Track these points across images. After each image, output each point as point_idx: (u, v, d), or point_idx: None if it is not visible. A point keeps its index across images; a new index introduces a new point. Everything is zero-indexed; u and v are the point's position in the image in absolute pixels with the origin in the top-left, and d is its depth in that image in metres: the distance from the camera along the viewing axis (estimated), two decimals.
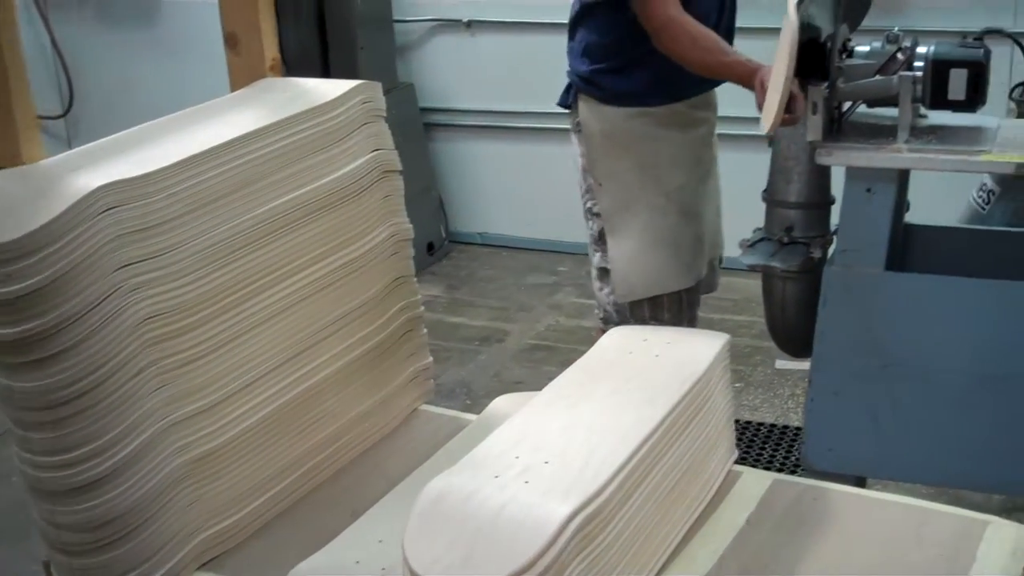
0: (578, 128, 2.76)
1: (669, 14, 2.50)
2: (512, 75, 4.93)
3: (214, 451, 1.89)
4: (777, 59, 2.24)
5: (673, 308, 2.74)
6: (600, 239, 2.78)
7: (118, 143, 1.91)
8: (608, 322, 2.81)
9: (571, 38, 2.77)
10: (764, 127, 2.27)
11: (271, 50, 2.14)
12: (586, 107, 2.72)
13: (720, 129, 3.91)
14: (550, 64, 2.88)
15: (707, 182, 2.82)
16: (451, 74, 5.19)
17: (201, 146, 1.86)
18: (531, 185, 5.03)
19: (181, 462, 1.84)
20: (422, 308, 2.35)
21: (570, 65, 2.77)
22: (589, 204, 2.79)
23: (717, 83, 2.75)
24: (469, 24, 5.08)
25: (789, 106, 2.27)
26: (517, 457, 1.58)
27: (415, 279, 2.34)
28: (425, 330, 2.37)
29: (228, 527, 1.92)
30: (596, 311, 2.90)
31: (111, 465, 1.72)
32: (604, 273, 2.79)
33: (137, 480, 1.76)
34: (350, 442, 2.15)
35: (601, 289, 2.83)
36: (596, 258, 2.82)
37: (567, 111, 2.82)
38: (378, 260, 2.19)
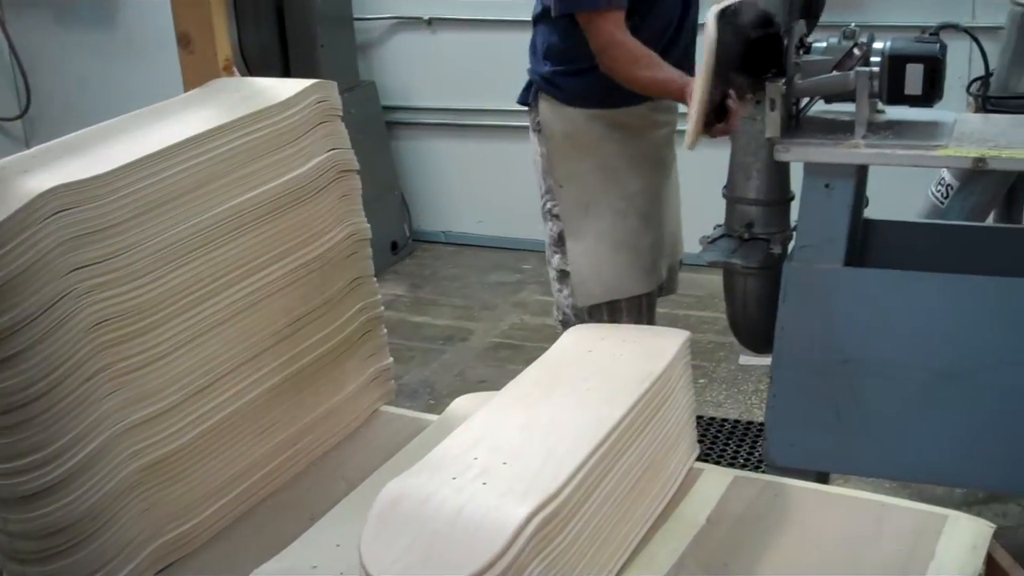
0: (538, 127, 2.73)
1: (614, 36, 2.47)
2: (474, 72, 4.91)
3: (169, 455, 1.87)
4: (699, 71, 2.23)
5: (632, 313, 2.72)
6: (560, 241, 2.75)
7: (71, 144, 1.89)
8: (567, 325, 2.78)
9: (533, 37, 2.74)
10: (686, 142, 2.25)
11: (224, 50, 2.12)
12: (547, 107, 2.70)
13: (681, 126, 3.91)
14: (512, 61, 2.87)
15: (667, 184, 2.81)
16: (413, 72, 5.17)
17: (153, 147, 1.84)
18: (495, 183, 5.02)
19: (136, 467, 1.81)
20: (382, 308, 2.33)
21: (531, 64, 2.74)
22: (549, 205, 2.76)
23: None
24: (430, 22, 5.06)
25: (722, 118, 2.26)
26: (475, 458, 1.57)
27: (375, 279, 2.32)
28: (385, 330, 2.35)
29: (184, 532, 1.90)
30: (555, 313, 2.86)
31: (64, 471, 1.70)
32: (563, 275, 2.77)
33: (91, 486, 1.74)
34: (309, 444, 2.13)
35: (560, 291, 2.80)
36: (555, 260, 2.79)
37: (527, 109, 2.80)
38: (336, 260, 2.17)
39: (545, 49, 2.68)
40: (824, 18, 2.70)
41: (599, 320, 2.68)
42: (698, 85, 2.18)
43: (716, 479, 1.99)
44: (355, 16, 5.00)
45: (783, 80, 2.31)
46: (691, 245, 2.75)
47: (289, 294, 2.07)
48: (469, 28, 4.96)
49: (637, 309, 2.73)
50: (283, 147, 2.02)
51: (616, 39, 2.47)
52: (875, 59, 2.31)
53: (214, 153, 1.92)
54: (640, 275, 2.72)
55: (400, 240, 5.13)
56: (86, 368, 1.72)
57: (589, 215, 2.69)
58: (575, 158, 2.68)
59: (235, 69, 2.16)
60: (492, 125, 4.89)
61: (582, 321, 2.71)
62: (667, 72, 2.47)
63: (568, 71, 2.64)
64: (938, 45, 2.29)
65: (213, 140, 1.91)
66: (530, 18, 2.74)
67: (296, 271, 2.07)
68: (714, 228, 2.69)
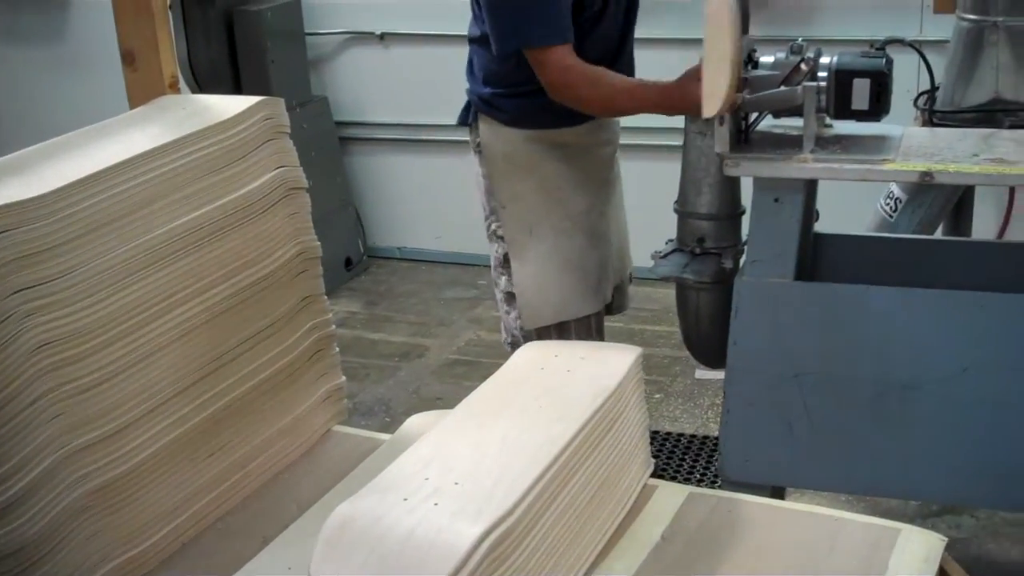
0: (479, 148, 2.70)
1: (563, 63, 2.44)
2: (427, 87, 4.90)
3: (117, 479, 1.84)
4: (712, 41, 2.22)
5: (581, 333, 2.69)
6: (505, 263, 2.71)
7: (13, 163, 1.86)
8: (516, 347, 2.75)
9: (470, 60, 2.70)
10: (712, 110, 2.25)
11: (169, 67, 2.10)
12: (487, 128, 2.66)
13: (632, 140, 3.92)
14: (463, 75, 2.85)
15: (611, 205, 2.80)
16: (365, 87, 5.16)
17: (96, 166, 1.81)
18: (450, 198, 5.01)
19: (82, 492, 1.79)
20: (333, 327, 2.31)
21: (469, 85, 2.71)
22: (493, 227, 2.72)
23: None
24: (383, 37, 5.05)
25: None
26: (427, 479, 1.56)
27: (325, 297, 2.30)
28: (337, 349, 2.33)
29: (133, 557, 1.87)
30: (503, 336, 2.82)
31: (8, 498, 1.67)
32: (510, 297, 2.73)
33: (37, 511, 1.71)
34: (260, 466, 2.11)
35: (508, 313, 2.75)
36: (502, 282, 2.74)
37: (466, 128, 2.75)
38: (285, 279, 2.15)
39: (483, 71, 2.64)
40: (773, 32, 2.73)
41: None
42: (723, 51, 2.16)
43: (670, 496, 1.99)
44: (307, 31, 4.98)
45: None
46: (644, 260, 2.75)
47: (237, 314, 2.05)
48: (422, 43, 4.96)
49: (586, 330, 2.71)
50: (230, 165, 2.00)
51: (567, 65, 2.44)
52: (822, 74, 2.33)
53: (158, 172, 1.89)
54: (588, 295, 2.70)
55: (354, 256, 5.10)
56: (29, 392, 1.70)
57: (533, 236, 2.66)
58: (517, 179, 2.65)
59: (180, 86, 2.14)
60: (447, 140, 4.88)
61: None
62: (630, 80, 2.46)
63: (507, 93, 2.61)
64: (884, 60, 2.31)
65: (157, 159, 1.89)
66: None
67: (244, 291, 2.05)
68: (666, 243, 2.69)
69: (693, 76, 2.35)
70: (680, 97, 2.39)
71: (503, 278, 2.74)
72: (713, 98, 2.21)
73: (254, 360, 2.10)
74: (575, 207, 2.66)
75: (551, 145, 2.63)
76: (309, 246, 2.22)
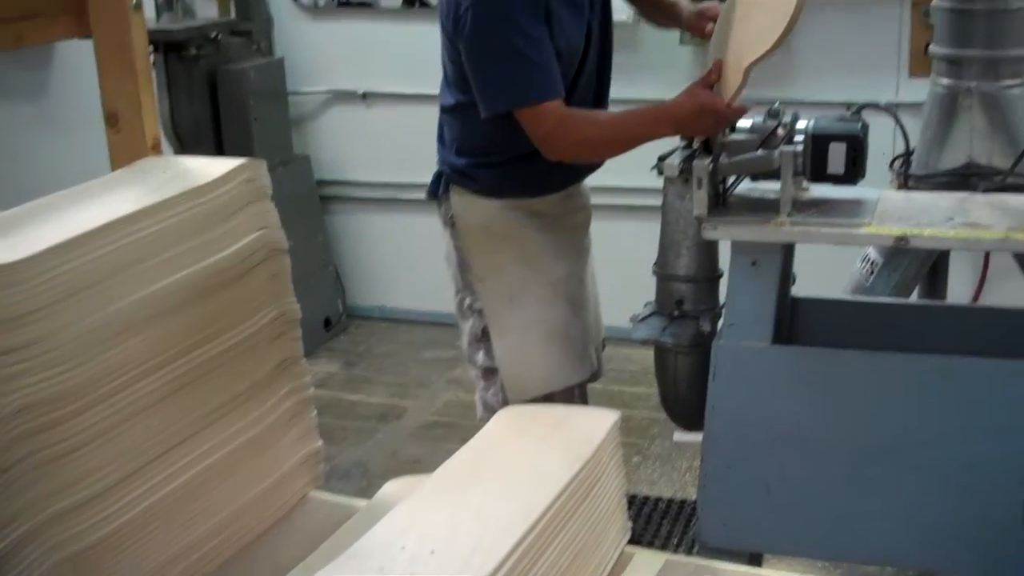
0: (451, 221, 2.68)
1: (560, 112, 2.43)
2: (409, 147, 4.92)
3: (93, 546, 1.81)
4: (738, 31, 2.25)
5: (566, 403, 2.66)
6: (483, 337, 2.68)
7: None
8: None
9: (441, 129, 2.70)
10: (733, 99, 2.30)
11: (152, 129, 2.10)
12: (461, 200, 2.64)
13: (610, 200, 3.95)
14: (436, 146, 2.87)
15: (587, 269, 2.80)
16: (347, 146, 5.19)
17: (78, 230, 1.80)
18: (430, 257, 4.96)
19: (58, 559, 1.76)
20: (311, 390, 2.30)
21: (441, 156, 2.69)
22: (468, 301, 2.70)
23: (590, 170, 2.75)
24: (365, 96, 5.09)
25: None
26: (403, 548, 1.55)
27: (304, 360, 2.28)
28: (315, 413, 2.32)
29: None
30: (480, 413, 2.76)
31: None
32: (489, 373, 2.70)
33: None
34: (236, 532, 2.08)
35: (486, 390, 2.72)
36: (479, 358, 2.71)
37: (434, 200, 2.74)
38: (264, 342, 2.14)
39: (457, 141, 2.63)
40: (751, 93, 2.75)
41: None
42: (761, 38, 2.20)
43: (647, 563, 1.97)
44: (289, 90, 5.02)
45: (710, 159, 2.35)
46: (623, 321, 2.76)
47: (215, 378, 2.03)
48: (404, 102, 4.99)
49: (571, 400, 2.68)
50: (210, 228, 2.00)
51: (563, 114, 2.44)
52: (799, 138, 2.36)
53: (139, 235, 1.88)
54: (574, 363, 2.69)
55: (334, 316, 5.09)
56: (7, 457, 1.67)
57: (514, 307, 2.63)
58: (495, 249, 2.63)
59: (162, 148, 2.14)
60: (425, 198, 4.90)
61: None
62: (631, 109, 2.46)
63: (483, 163, 2.60)
64: (860, 124, 2.34)
65: (138, 222, 1.88)
66: None
67: (222, 355, 2.03)
68: (644, 305, 2.70)
69: (700, 83, 2.37)
70: (692, 105, 2.38)
71: (480, 354, 2.70)
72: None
73: (232, 424, 2.08)
74: (556, 275, 2.66)
75: (529, 214, 2.63)
76: (289, 308, 2.21)
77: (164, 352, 1.94)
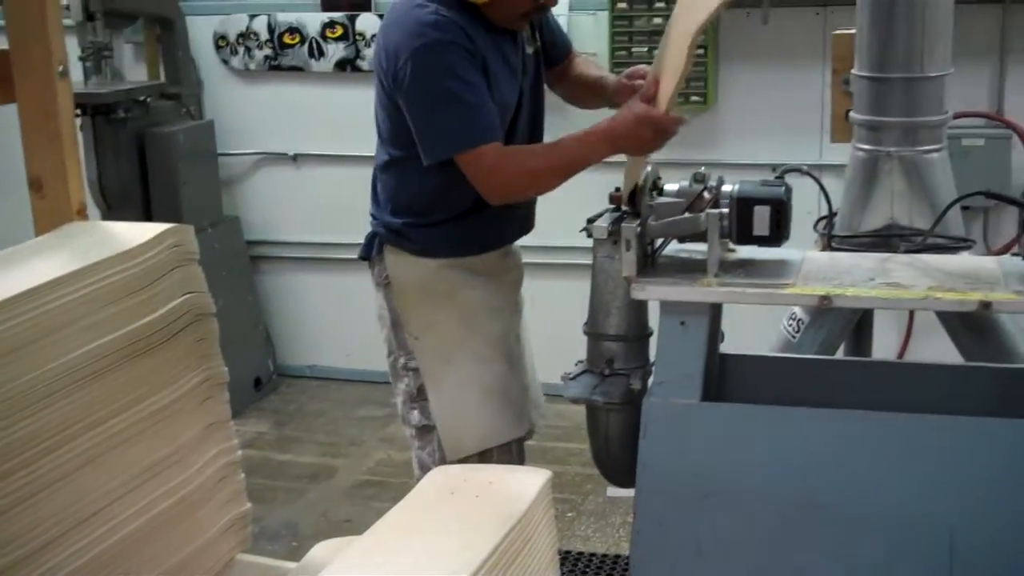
0: (385, 281, 2.68)
1: (500, 151, 2.47)
2: (338, 207, 4.93)
3: None
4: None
5: (504, 461, 2.66)
6: (418, 396, 2.68)
7: None
8: None
9: (375, 189, 2.70)
10: (666, 108, 2.32)
11: (77, 194, 2.09)
12: (396, 259, 2.66)
13: (544, 259, 3.97)
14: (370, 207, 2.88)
15: (522, 328, 2.82)
16: (277, 206, 5.18)
17: (0, 295, 1.79)
18: (361, 316, 4.95)
19: None
20: (239, 453, 2.28)
21: (375, 216, 2.70)
22: (403, 361, 2.70)
23: (525, 230, 2.78)
24: (295, 157, 5.09)
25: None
26: None
27: (231, 424, 2.27)
28: (242, 476, 2.30)
29: None
30: (416, 472, 2.74)
31: None
32: (424, 432, 2.70)
33: None
34: None
35: (422, 448, 2.72)
36: (414, 417, 2.71)
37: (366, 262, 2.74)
38: (191, 406, 2.12)
39: (392, 200, 2.65)
40: (679, 156, 2.82)
41: None
42: (683, 56, 2.22)
43: None
44: (220, 151, 5.01)
45: (638, 222, 2.38)
46: (556, 379, 2.76)
47: (140, 443, 2.01)
48: (333, 163, 5.02)
49: (508, 456, 2.69)
50: (136, 293, 1.98)
51: (502, 152, 2.47)
52: (725, 201, 2.39)
53: (63, 301, 1.87)
54: (512, 420, 2.70)
55: (264, 376, 5.06)
56: None
57: (451, 365, 2.65)
58: (432, 308, 2.65)
59: (87, 213, 2.12)
60: (358, 259, 4.89)
61: None
62: (562, 138, 2.49)
63: (420, 222, 2.62)
64: (783, 188, 2.38)
65: (62, 288, 1.86)
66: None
67: (148, 419, 2.01)
68: (576, 364, 2.71)
69: (637, 98, 2.41)
70: (629, 117, 2.41)
71: (415, 412, 2.70)
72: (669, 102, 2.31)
73: (157, 488, 2.06)
74: (492, 333, 2.68)
75: (465, 272, 2.65)
76: (216, 372, 2.20)
77: (88, 417, 1.92)
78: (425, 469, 2.69)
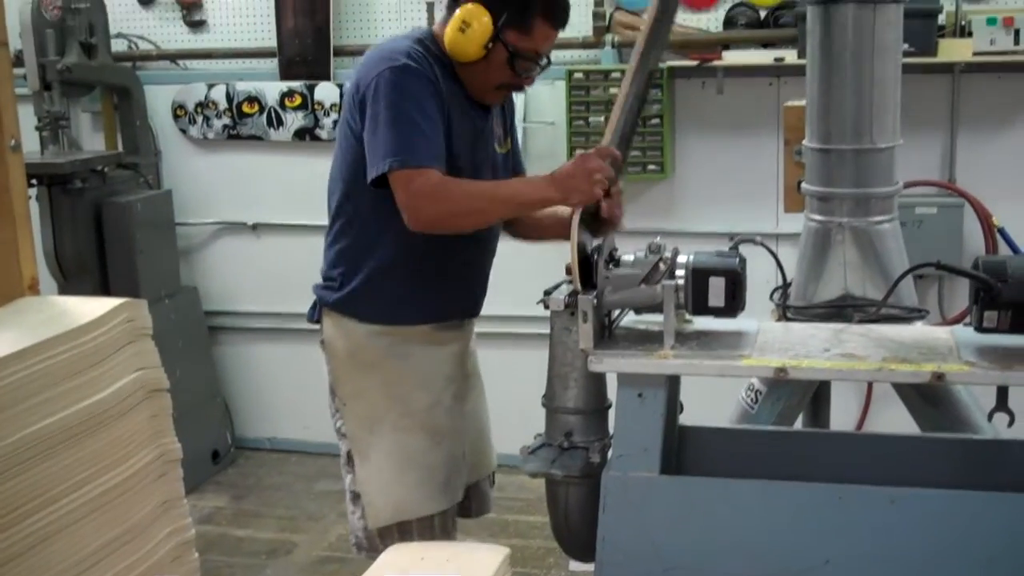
0: (322, 345, 2.73)
1: (440, 176, 2.45)
2: (298, 277, 4.84)
3: None
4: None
5: (424, 534, 2.66)
6: (349, 461, 2.71)
7: None
8: (360, 548, 2.72)
9: (325, 243, 2.74)
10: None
11: (30, 269, 2.07)
12: (331, 323, 2.69)
13: (504, 328, 3.97)
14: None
15: (464, 400, 2.80)
16: (236, 276, 5.16)
17: None
18: (320, 387, 4.94)
19: None
20: (192, 532, 2.25)
21: (320, 280, 2.74)
22: (339, 424, 2.73)
23: (473, 309, 2.78)
24: (255, 227, 5.08)
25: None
26: None
27: (185, 502, 2.24)
28: (196, 555, 2.26)
29: None
30: (351, 537, 2.76)
31: None
32: (356, 497, 2.71)
33: None
34: None
35: (353, 513, 2.73)
36: (348, 480, 2.73)
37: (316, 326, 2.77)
38: (143, 484, 2.09)
39: (334, 265, 2.68)
40: (638, 224, 2.83)
41: (390, 543, 2.60)
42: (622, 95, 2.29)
43: None
44: (178, 221, 4.99)
45: (594, 293, 2.38)
46: (516, 450, 2.75)
47: (92, 522, 1.98)
48: (293, 233, 5.00)
49: (429, 530, 2.68)
50: (88, 370, 1.97)
51: (441, 178, 2.45)
52: (680, 272, 2.40)
53: (13, 378, 1.85)
54: (432, 493, 2.68)
55: (222, 449, 5.00)
56: None
57: (374, 434, 2.66)
58: (360, 376, 2.67)
59: (39, 288, 2.10)
60: (317, 330, 4.86)
61: (373, 545, 2.64)
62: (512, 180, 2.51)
63: (355, 286, 2.64)
64: (737, 259, 2.40)
65: (12, 365, 1.84)
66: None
67: (100, 498, 1.99)
68: (534, 437, 2.70)
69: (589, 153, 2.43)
70: (571, 162, 2.44)
71: (348, 476, 2.73)
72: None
73: (109, 569, 2.03)
74: (416, 404, 2.67)
75: (394, 341, 2.66)
76: (169, 448, 2.17)
77: (39, 496, 1.89)
78: (354, 535, 2.75)
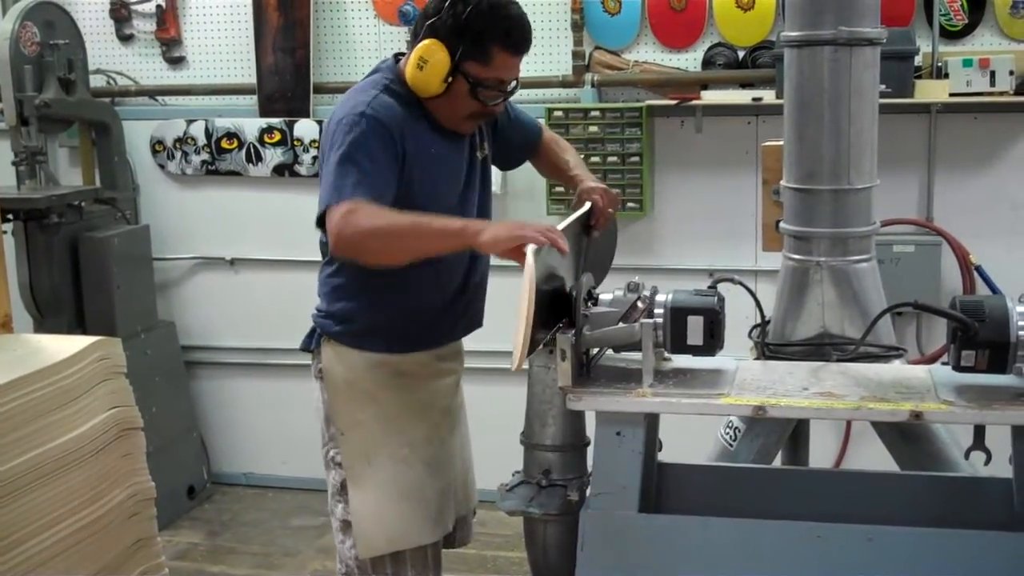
0: (320, 375, 2.71)
1: (359, 203, 2.38)
2: (276, 312, 4.91)
3: None
4: (520, 300, 2.25)
5: (417, 565, 2.66)
6: (342, 490, 2.70)
7: None
8: None
9: (320, 279, 2.74)
10: (514, 364, 2.24)
11: (4, 306, 2.05)
12: (331, 352, 2.68)
13: (486, 363, 3.95)
14: (314, 300, 2.88)
15: (454, 434, 2.81)
16: (214, 311, 5.14)
17: None
18: (298, 422, 4.92)
19: None
20: (166, 571, 2.23)
21: (318, 309, 2.73)
22: (332, 453, 2.72)
23: (466, 331, 2.79)
24: (233, 262, 5.07)
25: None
26: None
27: (158, 540, 2.22)
28: None
29: None
30: (338, 567, 2.75)
31: None
32: (347, 526, 2.70)
33: None
34: None
35: (343, 543, 2.71)
36: (338, 510, 2.72)
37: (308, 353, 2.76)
38: (115, 524, 2.07)
39: (333, 294, 2.69)
40: (622, 262, 2.83)
41: (382, 573, 2.60)
42: (522, 313, 2.17)
43: None
44: (155, 256, 4.97)
45: (572, 332, 2.37)
46: (495, 486, 2.73)
47: (65, 560, 1.97)
48: (271, 268, 5.00)
49: (423, 561, 2.68)
50: (59, 408, 1.95)
51: (363, 207, 2.38)
52: (659, 311, 2.40)
53: None
54: (427, 524, 2.68)
55: (198, 484, 4.96)
56: None
57: (372, 465, 2.66)
58: (357, 406, 2.67)
59: (13, 326, 2.09)
60: (294, 364, 4.84)
61: (364, 575, 2.63)
62: (445, 218, 2.44)
63: (355, 314, 2.65)
64: (716, 298, 2.40)
65: None
66: None
67: (69, 538, 1.97)
68: (513, 474, 2.69)
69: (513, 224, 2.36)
70: (482, 228, 2.36)
71: (340, 506, 2.71)
72: (516, 353, 2.21)
73: None
74: (414, 435, 2.68)
75: (392, 372, 2.66)
76: (143, 487, 2.16)
77: (8, 536, 1.86)
78: (344, 564, 2.72)
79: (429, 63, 2.54)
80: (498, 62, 2.58)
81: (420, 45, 2.55)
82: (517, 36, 2.59)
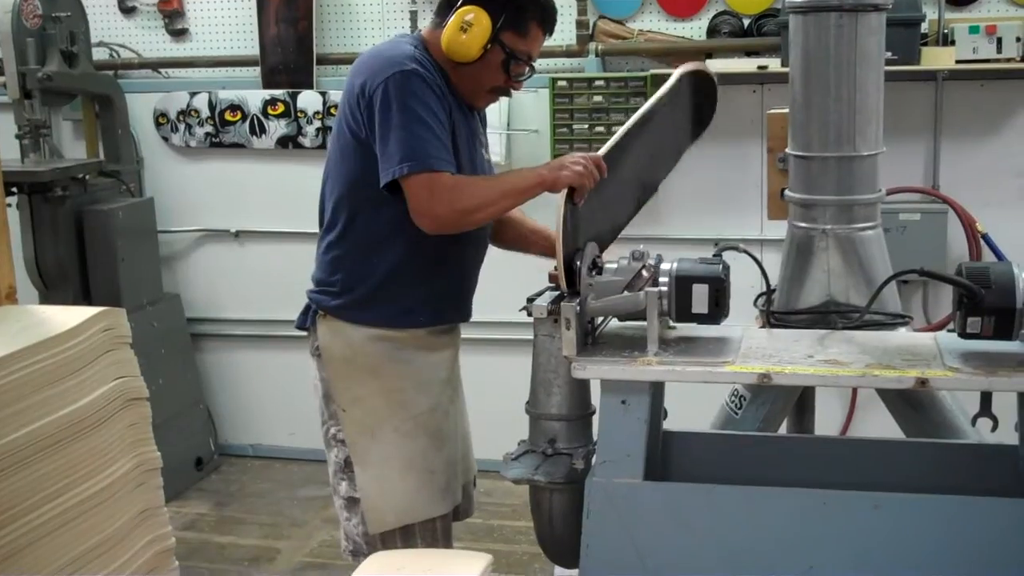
0: (317, 352, 2.70)
1: (455, 177, 2.49)
2: (281, 284, 4.90)
3: None
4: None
5: (427, 537, 2.66)
6: (346, 467, 2.69)
7: None
8: (357, 555, 2.70)
9: (317, 256, 2.73)
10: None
11: (8, 278, 2.05)
12: (327, 329, 2.67)
13: (487, 334, 3.97)
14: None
15: (456, 404, 2.80)
16: (219, 283, 5.14)
17: None
18: (303, 394, 4.90)
19: None
20: (172, 540, 2.24)
21: (313, 286, 2.73)
22: (333, 431, 2.71)
23: (467, 313, 2.79)
24: (237, 234, 5.06)
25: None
26: None
27: (165, 510, 2.23)
28: (176, 563, 2.25)
29: None
30: (343, 544, 2.76)
31: None
32: (352, 503, 2.70)
33: None
34: None
35: (349, 520, 2.72)
36: (343, 488, 2.72)
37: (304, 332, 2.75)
38: (122, 493, 2.08)
39: (329, 269, 2.68)
40: (627, 232, 2.83)
41: (392, 547, 2.60)
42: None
43: None
44: (160, 229, 4.97)
45: (577, 300, 2.37)
46: (501, 457, 2.74)
47: (69, 532, 1.97)
48: (276, 240, 4.99)
49: (432, 533, 2.67)
50: (66, 378, 1.95)
51: (457, 179, 2.49)
52: (663, 279, 2.39)
53: None
54: (434, 497, 2.68)
55: (205, 456, 4.97)
56: None
57: (375, 439, 2.65)
58: (358, 381, 2.66)
59: (17, 297, 2.09)
60: (300, 336, 4.83)
61: (374, 550, 2.63)
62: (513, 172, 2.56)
63: (354, 292, 2.64)
64: (721, 266, 2.39)
65: None
66: None
67: (77, 507, 1.97)
68: (518, 443, 2.69)
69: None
70: (559, 159, 2.49)
71: (344, 483, 2.71)
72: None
73: None
74: (417, 408, 2.67)
75: (392, 346, 2.65)
76: (148, 457, 2.16)
77: (15, 507, 1.87)
78: (351, 541, 2.73)
79: (473, 27, 2.54)
80: (532, 36, 2.63)
81: (464, 8, 2.56)
82: (551, 15, 2.67)
